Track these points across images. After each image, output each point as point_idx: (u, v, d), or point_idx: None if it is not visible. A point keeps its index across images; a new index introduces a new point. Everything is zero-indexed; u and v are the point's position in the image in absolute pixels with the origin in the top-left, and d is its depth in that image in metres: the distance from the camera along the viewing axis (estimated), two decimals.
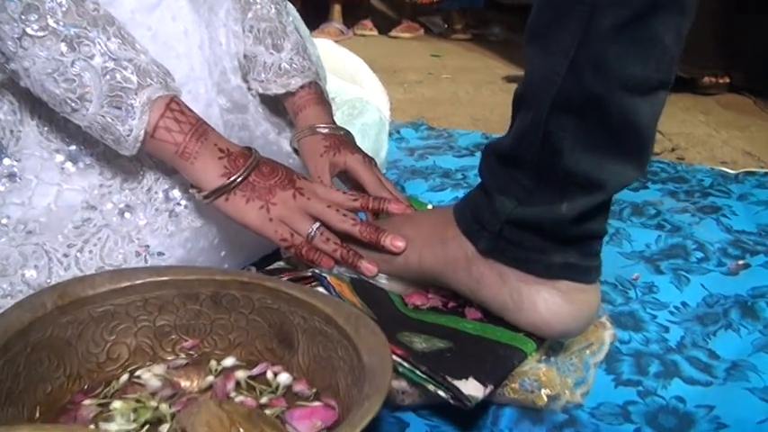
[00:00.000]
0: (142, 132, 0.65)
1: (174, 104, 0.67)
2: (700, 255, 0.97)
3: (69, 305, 0.54)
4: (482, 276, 0.65)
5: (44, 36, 0.62)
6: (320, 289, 0.64)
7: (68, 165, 0.71)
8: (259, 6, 0.83)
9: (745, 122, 1.81)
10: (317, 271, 0.68)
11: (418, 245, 0.69)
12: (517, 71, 2.31)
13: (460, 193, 1.16)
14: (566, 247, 0.62)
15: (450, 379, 0.59)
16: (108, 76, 0.64)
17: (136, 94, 0.64)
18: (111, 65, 0.64)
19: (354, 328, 0.53)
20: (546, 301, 0.62)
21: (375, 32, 3.27)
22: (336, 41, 3.03)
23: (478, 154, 1.37)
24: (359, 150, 0.82)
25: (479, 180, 0.68)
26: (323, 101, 0.86)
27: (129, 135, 0.64)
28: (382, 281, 0.71)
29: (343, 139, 0.82)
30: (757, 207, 1.16)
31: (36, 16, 0.62)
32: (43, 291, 0.54)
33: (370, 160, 0.81)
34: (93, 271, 0.67)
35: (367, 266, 0.70)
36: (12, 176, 0.70)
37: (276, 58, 0.82)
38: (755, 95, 2.07)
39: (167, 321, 0.59)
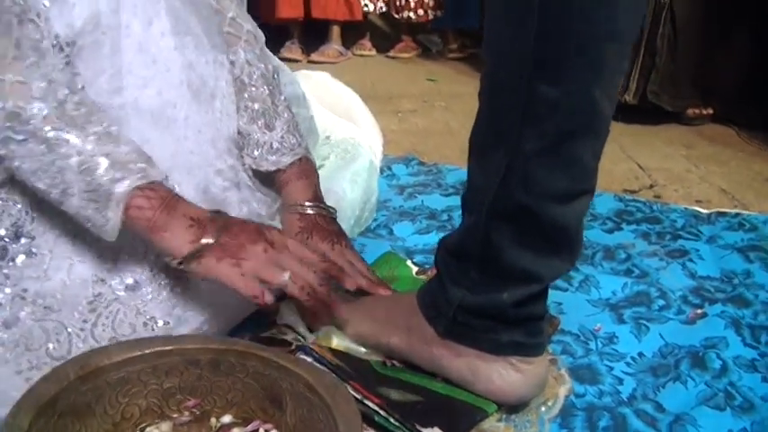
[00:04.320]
0: (119, 221, 0.71)
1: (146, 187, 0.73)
2: (661, 302, 1.05)
3: (89, 374, 0.63)
4: (443, 356, 0.75)
5: (25, 139, 0.69)
6: (304, 356, 0.74)
7: (79, 240, 0.78)
8: (254, 88, 0.91)
9: (725, 156, 1.88)
10: (298, 344, 0.77)
11: (388, 329, 0.78)
12: None
13: None
14: (512, 328, 0.71)
15: (418, 426, 0.69)
16: (84, 174, 0.70)
17: (110, 187, 0.70)
18: (87, 165, 0.70)
19: (332, 396, 0.61)
20: (500, 374, 0.72)
21: (373, 52, 3.36)
22: (336, 62, 3.15)
23: None
24: (330, 235, 0.91)
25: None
26: (307, 174, 0.94)
27: (106, 225, 0.71)
28: (362, 349, 0.80)
29: (318, 223, 0.91)
30: (724, 251, 1.23)
31: (18, 122, 0.69)
32: (66, 363, 0.63)
33: (340, 243, 0.90)
34: (106, 341, 0.75)
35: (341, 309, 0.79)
36: (28, 252, 0.76)
37: (268, 137, 0.91)
38: (739, 126, 2.14)
39: (173, 384, 0.68)
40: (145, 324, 0.78)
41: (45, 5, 0.72)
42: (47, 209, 0.77)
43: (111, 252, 0.79)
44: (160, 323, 0.78)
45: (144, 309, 0.78)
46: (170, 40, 0.82)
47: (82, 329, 0.75)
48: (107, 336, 0.76)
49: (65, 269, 0.77)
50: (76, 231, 0.77)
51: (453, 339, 0.74)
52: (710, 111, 2.17)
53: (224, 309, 0.84)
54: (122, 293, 0.78)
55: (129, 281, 0.79)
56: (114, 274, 0.78)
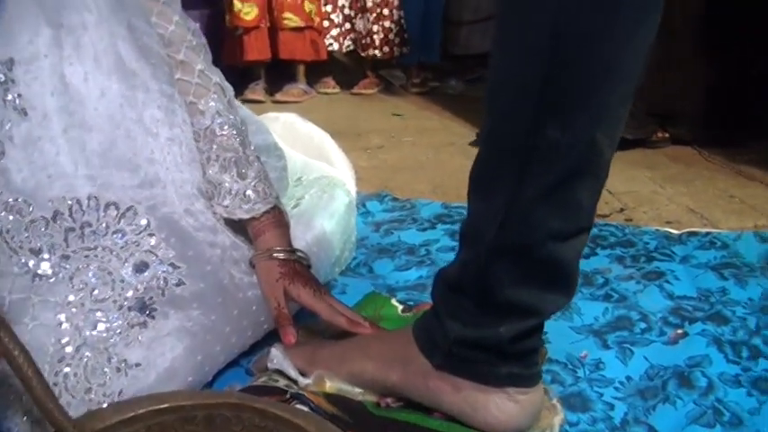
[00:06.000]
0: None
1: None
2: (643, 325, 1.06)
3: None
4: (439, 388, 0.75)
5: None
6: (300, 406, 0.73)
7: (37, 280, 0.77)
8: (224, 138, 0.91)
9: (690, 176, 1.93)
10: (293, 391, 0.77)
11: (383, 365, 0.78)
12: (471, 130, 2.44)
13: (424, 272, 1.25)
14: (508, 361, 0.72)
15: None
16: None
17: None
18: None
19: None
20: (497, 405, 0.72)
21: (338, 90, 3.39)
22: (300, 101, 3.16)
23: (440, 226, 1.49)
24: (310, 282, 0.90)
25: (439, 260, 0.77)
26: (282, 224, 0.94)
27: None
28: (357, 390, 0.80)
29: (297, 270, 0.91)
30: (698, 270, 1.25)
31: None
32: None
33: (320, 290, 0.90)
34: (82, 393, 0.74)
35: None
36: None
37: (241, 186, 0.90)
38: (700, 146, 2.20)
39: None
40: (118, 369, 0.77)
41: None
42: (3, 246, 0.76)
43: (74, 291, 0.78)
44: (133, 365, 0.78)
45: (114, 351, 0.77)
46: (116, 78, 0.83)
47: (55, 384, 0.74)
48: (82, 388, 0.75)
49: (26, 311, 0.76)
50: (35, 266, 0.77)
51: (450, 372, 0.74)
52: (667, 135, 2.23)
53: (195, 347, 0.84)
54: (89, 333, 0.77)
55: (95, 321, 0.78)
56: (79, 315, 0.77)
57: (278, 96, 3.17)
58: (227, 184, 0.90)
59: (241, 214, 0.90)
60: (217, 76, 0.95)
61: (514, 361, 0.72)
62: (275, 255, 0.91)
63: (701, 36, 2.13)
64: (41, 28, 0.79)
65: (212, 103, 0.92)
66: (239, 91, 3.09)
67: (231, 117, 0.93)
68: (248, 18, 3.06)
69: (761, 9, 2.07)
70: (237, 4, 3.03)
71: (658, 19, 0.64)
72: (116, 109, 0.83)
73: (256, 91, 3.16)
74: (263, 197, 0.92)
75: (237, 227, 0.93)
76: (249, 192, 0.91)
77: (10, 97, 0.78)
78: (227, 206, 0.90)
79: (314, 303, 0.89)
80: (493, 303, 0.70)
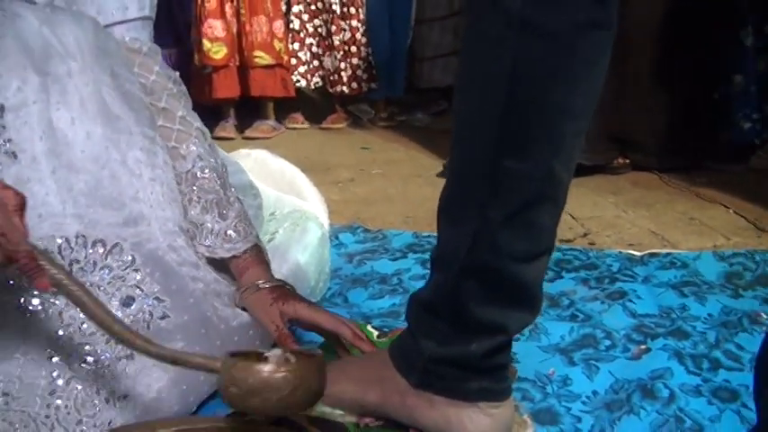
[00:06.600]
0: None
1: None
2: (607, 342, 1.11)
3: None
4: (415, 406, 0.79)
5: None
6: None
7: (28, 315, 0.80)
8: (206, 180, 0.95)
9: (651, 200, 2.00)
10: None
11: (362, 385, 0.82)
12: (437, 161, 2.51)
13: (397, 300, 1.29)
14: (480, 376, 0.76)
15: None
16: None
17: None
18: None
19: None
20: (471, 419, 0.77)
21: (306, 125, 3.43)
22: (270, 137, 3.19)
23: (411, 255, 1.53)
24: (303, 299, 0.95)
25: (412, 288, 0.81)
26: (262, 261, 0.98)
27: None
28: (337, 412, 0.83)
29: (287, 291, 0.95)
30: (659, 289, 1.31)
31: None
32: None
33: (314, 304, 0.94)
34: (73, 424, 0.77)
35: None
36: None
37: (222, 226, 0.95)
38: (660, 171, 2.27)
39: None
40: (107, 400, 0.80)
41: None
42: None
43: (63, 326, 0.80)
44: (120, 397, 0.81)
45: (103, 383, 0.80)
46: (101, 122, 0.87)
47: (47, 416, 0.77)
48: (73, 419, 0.78)
49: (16, 345, 0.78)
50: (26, 299, 0.79)
51: (426, 389, 0.78)
52: (628, 161, 2.30)
53: (180, 378, 0.86)
54: (78, 368, 0.79)
55: (84, 355, 0.80)
56: (68, 349, 0.80)
57: (247, 133, 3.21)
58: (208, 225, 0.94)
59: (223, 253, 0.95)
60: (197, 122, 1.00)
61: (486, 376, 0.77)
62: (262, 286, 0.95)
63: (660, 62, 2.21)
64: (30, 76, 0.83)
65: (193, 148, 0.96)
66: (209, 128, 3.10)
67: (212, 160, 0.97)
68: (217, 57, 3.10)
69: (720, 33, 2.17)
70: (207, 44, 3.07)
71: (608, 61, 0.70)
72: (101, 151, 0.86)
73: (226, 128, 3.19)
74: (244, 236, 0.96)
75: (218, 264, 0.97)
76: (230, 231, 0.95)
77: (0, 142, 0.81)
78: (209, 246, 0.94)
79: (312, 314, 0.93)
80: (464, 322, 0.75)
